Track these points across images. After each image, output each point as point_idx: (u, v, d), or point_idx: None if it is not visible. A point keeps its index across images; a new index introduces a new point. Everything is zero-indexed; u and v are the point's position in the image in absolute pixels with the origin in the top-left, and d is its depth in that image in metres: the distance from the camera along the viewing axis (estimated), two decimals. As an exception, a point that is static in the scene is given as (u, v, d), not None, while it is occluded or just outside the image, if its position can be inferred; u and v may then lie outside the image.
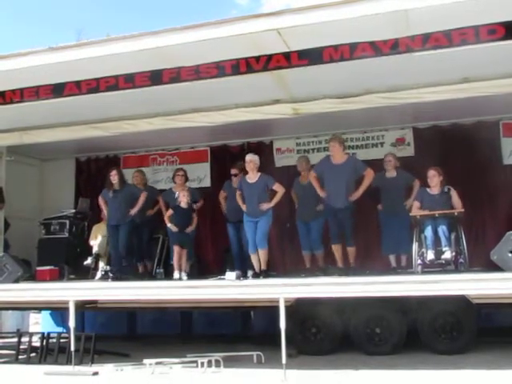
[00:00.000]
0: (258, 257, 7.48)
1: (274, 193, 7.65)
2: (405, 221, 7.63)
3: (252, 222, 7.57)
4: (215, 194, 9.07)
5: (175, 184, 8.92)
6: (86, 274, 8.87)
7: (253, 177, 7.68)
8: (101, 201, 8.75)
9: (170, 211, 8.10)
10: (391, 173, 8.13)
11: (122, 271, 8.34)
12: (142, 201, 8.59)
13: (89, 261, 8.75)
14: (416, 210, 7.35)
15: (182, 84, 6.77)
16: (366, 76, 6.72)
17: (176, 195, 8.19)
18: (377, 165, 8.23)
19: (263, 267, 7.44)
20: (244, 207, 7.68)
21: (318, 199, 7.95)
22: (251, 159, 7.68)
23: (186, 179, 8.99)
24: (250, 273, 7.58)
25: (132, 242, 8.73)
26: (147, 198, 8.75)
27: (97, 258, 8.94)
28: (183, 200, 8.01)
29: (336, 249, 7.63)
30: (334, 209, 7.52)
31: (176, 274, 7.69)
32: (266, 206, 7.52)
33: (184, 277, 7.68)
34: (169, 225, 7.97)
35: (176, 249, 7.84)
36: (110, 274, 8.23)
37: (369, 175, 7.58)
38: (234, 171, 8.51)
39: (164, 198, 8.97)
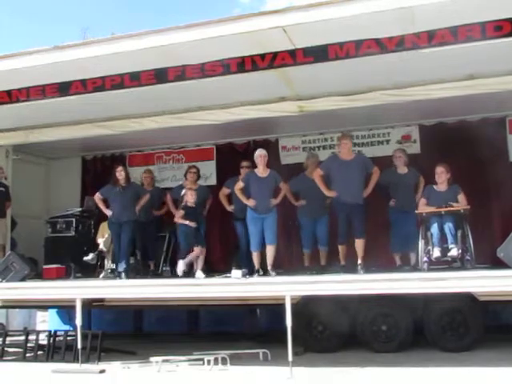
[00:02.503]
0: (260, 254, 7.49)
1: (278, 190, 7.68)
2: (415, 218, 7.57)
3: (259, 219, 7.54)
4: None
5: (186, 181, 8.81)
6: (93, 271, 8.89)
7: (263, 171, 7.67)
8: (98, 197, 8.47)
9: (182, 211, 7.95)
10: (402, 169, 8.04)
11: (127, 271, 8.32)
12: (146, 199, 8.54)
13: (89, 257, 8.74)
14: (423, 207, 7.33)
15: (187, 82, 6.78)
16: (371, 73, 6.70)
17: (183, 193, 8.10)
18: (383, 162, 8.22)
19: (271, 263, 7.42)
20: (250, 202, 7.56)
21: (324, 195, 7.89)
22: (264, 154, 7.67)
23: (198, 177, 8.93)
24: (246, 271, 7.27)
25: (135, 241, 8.72)
26: (152, 199, 8.75)
27: (99, 255, 8.92)
28: (189, 200, 7.95)
29: (342, 248, 7.57)
30: (348, 205, 7.38)
31: (200, 274, 7.47)
32: (274, 202, 7.58)
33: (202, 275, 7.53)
34: (186, 222, 7.79)
35: (196, 250, 7.67)
36: (116, 273, 8.24)
37: (376, 173, 7.59)
38: (246, 163, 8.38)
39: (172, 195, 8.84)
